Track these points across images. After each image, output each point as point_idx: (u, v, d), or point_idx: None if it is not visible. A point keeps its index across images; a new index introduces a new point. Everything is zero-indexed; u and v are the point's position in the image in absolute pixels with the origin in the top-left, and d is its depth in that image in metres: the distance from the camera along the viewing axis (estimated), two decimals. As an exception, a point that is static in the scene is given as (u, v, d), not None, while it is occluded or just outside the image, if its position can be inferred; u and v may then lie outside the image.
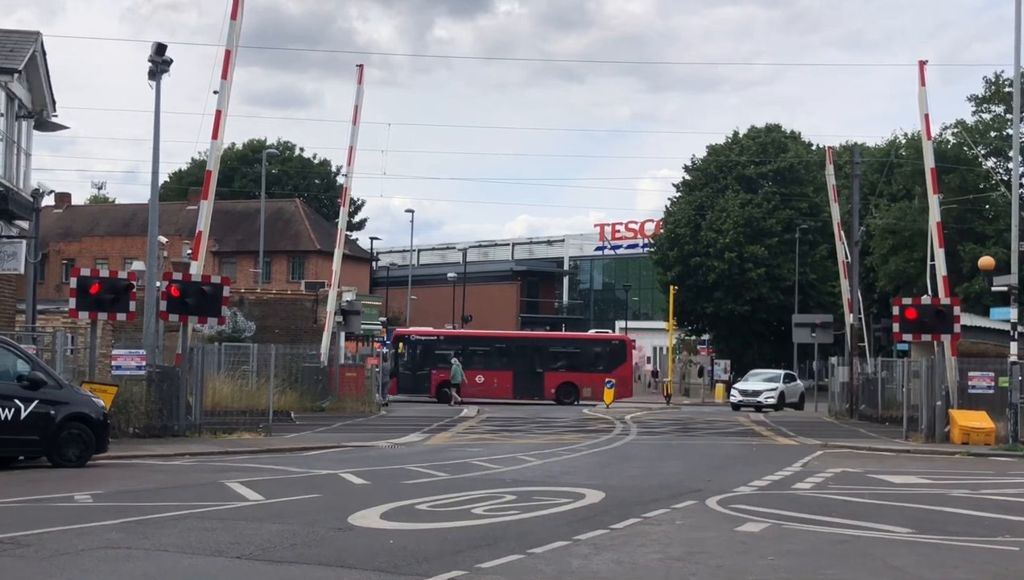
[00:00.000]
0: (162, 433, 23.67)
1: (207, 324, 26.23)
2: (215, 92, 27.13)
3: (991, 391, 27.08)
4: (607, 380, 51.33)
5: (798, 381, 49.98)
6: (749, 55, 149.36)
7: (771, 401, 44.73)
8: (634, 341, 53.04)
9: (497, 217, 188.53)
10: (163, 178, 79.58)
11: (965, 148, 50.72)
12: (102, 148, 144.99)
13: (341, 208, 42.28)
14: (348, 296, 43.13)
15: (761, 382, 46.64)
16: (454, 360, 45.48)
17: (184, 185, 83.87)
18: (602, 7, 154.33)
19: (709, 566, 9.60)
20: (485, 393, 46.38)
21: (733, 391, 47.78)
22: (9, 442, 17.34)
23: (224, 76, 27.19)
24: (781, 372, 49.31)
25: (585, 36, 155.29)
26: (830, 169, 43.78)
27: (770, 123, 72.14)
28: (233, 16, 27.53)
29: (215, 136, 27.24)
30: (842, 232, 41.81)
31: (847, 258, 41.19)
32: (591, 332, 60.56)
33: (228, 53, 27.19)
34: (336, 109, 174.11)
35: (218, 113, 27.14)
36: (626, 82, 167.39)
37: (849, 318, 41.15)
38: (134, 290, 23.69)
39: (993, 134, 53.65)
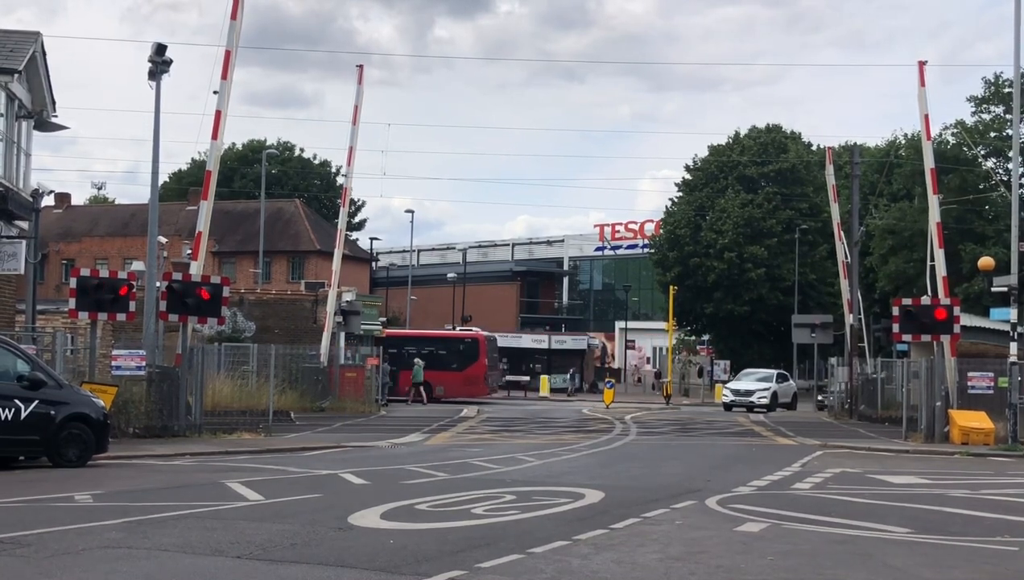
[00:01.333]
0: (162, 433, 23.69)
1: (207, 324, 26.25)
2: (215, 92, 27.17)
3: (990, 391, 27.09)
4: (607, 380, 51.32)
5: (791, 381, 49.79)
6: (750, 55, 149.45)
7: (764, 401, 44.48)
8: (488, 338, 52.07)
9: (497, 217, 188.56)
10: (163, 178, 79.65)
11: (965, 148, 50.75)
12: (102, 148, 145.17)
13: (341, 208, 42.30)
14: (348, 296, 43.13)
15: (754, 382, 46.35)
16: (417, 360, 45.73)
17: (184, 185, 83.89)
18: (603, 7, 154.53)
19: (709, 566, 9.61)
20: None
21: (725, 391, 47.29)
22: (9, 442, 17.36)
23: (224, 76, 27.21)
24: (774, 372, 49.10)
25: (586, 36, 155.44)
26: (830, 169, 43.79)
27: (771, 123, 72.27)
28: (233, 16, 27.55)
29: (215, 136, 27.26)
30: (842, 232, 41.82)
31: (847, 258, 41.19)
32: (456, 330, 59.65)
33: (228, 53, 27.21)
34: (336, 109, 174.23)
35: (218, 113, 27.16)
36: (626, 82, 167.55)
37: (849, 318, 41.17)
38: (134, 290, 23.70)
39: (993, 134, 53.70)
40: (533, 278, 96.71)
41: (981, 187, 51.10)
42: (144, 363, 23.70)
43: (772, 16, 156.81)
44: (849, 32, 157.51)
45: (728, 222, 66.40)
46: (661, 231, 73.39)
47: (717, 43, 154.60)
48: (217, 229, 73.07)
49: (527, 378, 63.33)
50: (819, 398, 46.49)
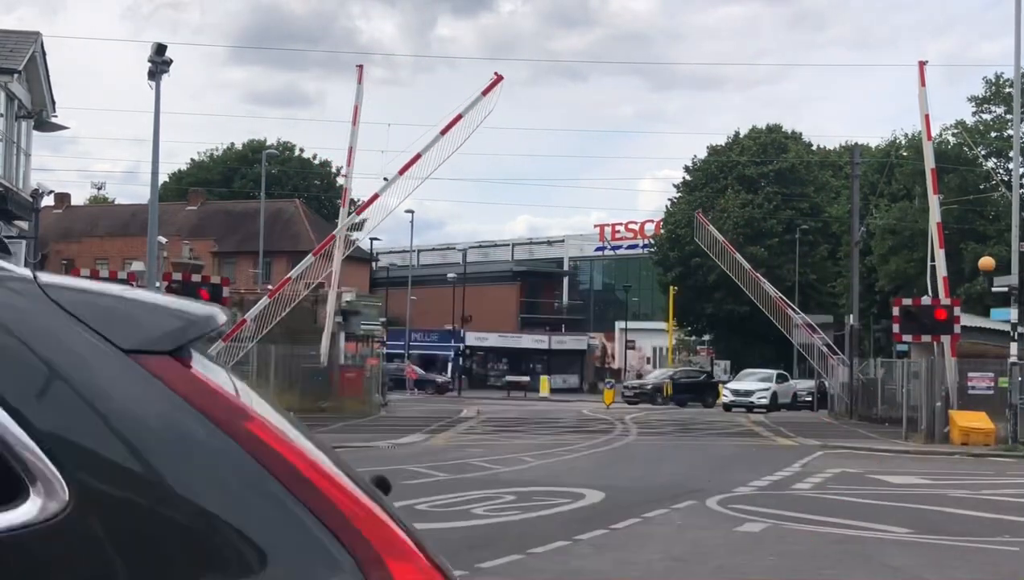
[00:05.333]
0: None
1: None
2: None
3: (991, 392, 27.08)
4: (607, 381, 51.35)
5: (791, 381, 49.77)
6: (754, 53, 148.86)
7: (763, 401, 44.44)
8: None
9: (498, 217, 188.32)
10: (163, 178, 79.58)
11: (966, 148, 50.73)
12: (102, 148, 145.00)
13: (341, 208, 42.31)
14: (348, 297, 43.13)
15: (754, 382, 46.31)
16: None
17: (184, 185, 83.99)
18: (606, 5, 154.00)
19: (709, 566, 9.60)
20: None
21: (725, 391, 47.34)
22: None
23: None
24: (774, 372, 49.07)
25: (589, 34, 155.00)
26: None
27: (771, 123, 72.29)
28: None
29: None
30: (759, 276, 42.77)
31: (778, 295, 42.14)
32: None
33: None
34: (338, 108, 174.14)
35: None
36: (630, 81, 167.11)
37: (850, 319, 41.25)
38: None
39: (993, 134, 53.66)
40: (533, 278, 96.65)
41: (982, 187, 51.05)
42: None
43: (776, 15, 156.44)
44: (854, 30, 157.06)
45: (728, 222, 66.40)
46: (661, 231, 73.42)
47: (721, 42, 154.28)
48: (217, 229, 73.18)
49: (527, 378, 63.39)
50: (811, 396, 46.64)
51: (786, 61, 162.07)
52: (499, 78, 32.21)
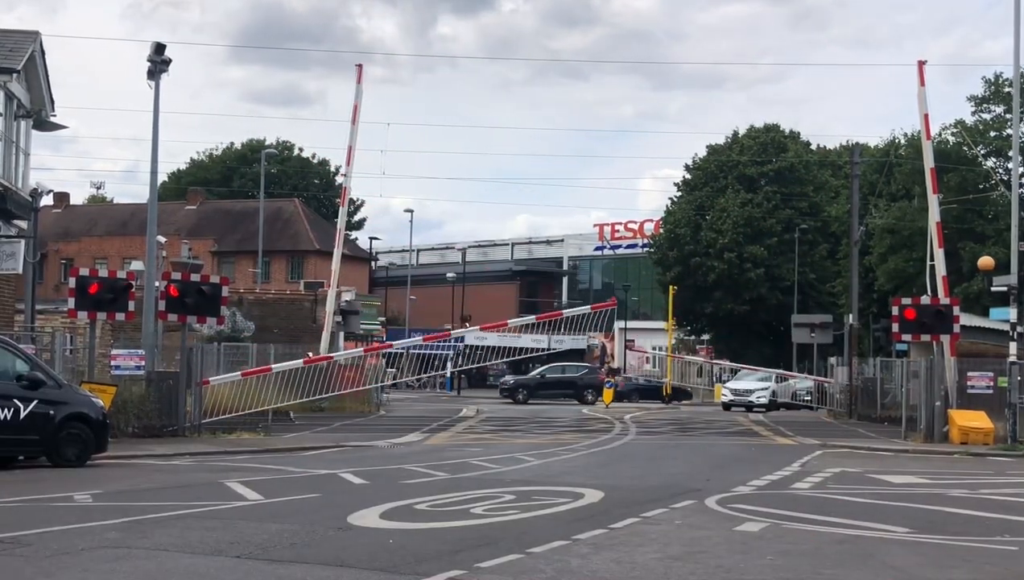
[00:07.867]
0: (161, 433, 23.67)
1: (206, 324, 26.21)
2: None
3: (990, 391, 27.10)
4: (607, 380, 51.32)
5: (791, 380, 49.75)
6: (756, 53, 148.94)
7: (763, 401, 44.44)
8: None
9: (498, 217, 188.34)
10: (162, 178, 79.53)
11: (965, 148, 50.72)
12: (101, 147, 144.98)
13: (340, 208, 42.30)
14: (347, 296, 43.11)
15: (753, 381, 46.35)
16: None
17: (183, 185, 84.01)
18: (608, 4, 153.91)
19: (708, 566, 9.60)
20: None
21: (724, 390, 47.40)
22: (9, 442, 17.35)
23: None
24: (773, 371, 49.11)
25: (590, 33, 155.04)
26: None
27: (769, 123, 72.33)
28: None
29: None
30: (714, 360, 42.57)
31: None
32: None
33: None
34: (338, 107, 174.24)
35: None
36: (631, 80, 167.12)
37: (848, 318, 41.24)
38: (133, 290, 23.69)
39: (993, 134, 53.65)
40: (533, 278, 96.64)
41: (981, 186, 51.03)
42: (143, 363, 23.69)
43: (778, 14, 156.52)
44: (857, 29, 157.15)
45: (728, 221, 66.47)
46: (661, 230, 73.48)
47: (722, 41, 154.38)
48: (216, 229, 73.18)
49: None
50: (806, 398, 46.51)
51: (787, 60, 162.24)
52: (614, 302, 32.14)
